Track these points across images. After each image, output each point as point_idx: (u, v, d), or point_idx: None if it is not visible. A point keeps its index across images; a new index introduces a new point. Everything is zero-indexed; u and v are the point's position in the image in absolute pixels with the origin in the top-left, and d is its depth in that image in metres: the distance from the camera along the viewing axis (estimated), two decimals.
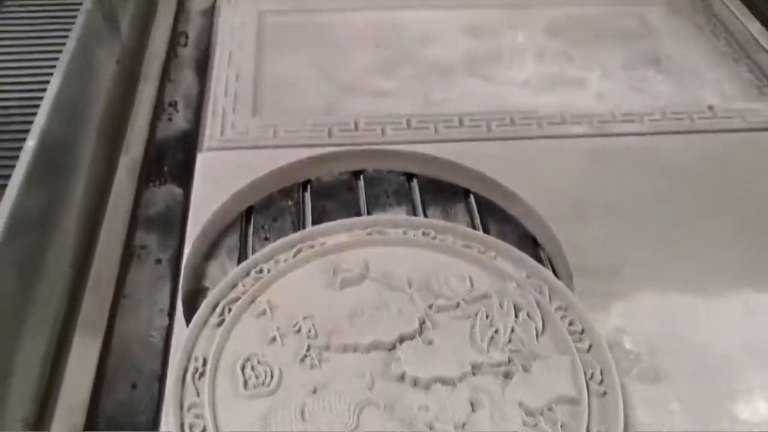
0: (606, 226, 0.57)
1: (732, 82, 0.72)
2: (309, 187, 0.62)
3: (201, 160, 0.62)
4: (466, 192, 0.62)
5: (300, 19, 0.79)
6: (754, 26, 0.83)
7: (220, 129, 0.64)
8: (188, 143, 0.66)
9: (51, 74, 0.55)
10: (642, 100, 0.69)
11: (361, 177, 0.63)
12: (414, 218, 0.56)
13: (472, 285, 0.50)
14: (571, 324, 0.48)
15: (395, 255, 0.52)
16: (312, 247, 0.52)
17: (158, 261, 0.56)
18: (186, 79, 0.74)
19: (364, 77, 0.72)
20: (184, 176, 0.62)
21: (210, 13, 0.83)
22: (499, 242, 0.53)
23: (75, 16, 0.61)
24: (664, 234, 0.57)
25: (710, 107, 0.68)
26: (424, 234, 0.53)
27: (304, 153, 0.62)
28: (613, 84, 0.71)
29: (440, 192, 0.62)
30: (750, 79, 0.72)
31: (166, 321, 0.52)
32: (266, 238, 0.58)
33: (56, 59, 0.56)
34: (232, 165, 0.61)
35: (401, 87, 0.70)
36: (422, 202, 0.61)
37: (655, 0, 0.84)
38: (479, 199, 0.61)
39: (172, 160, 0.64)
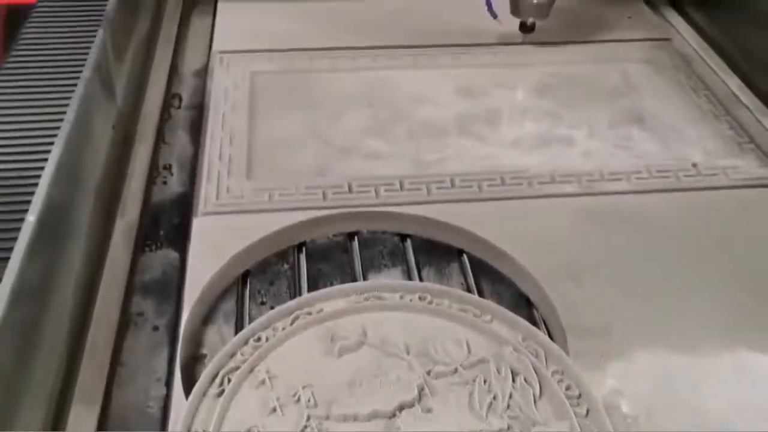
0: (597, 285, 0.58)
1: (714, 139, 0.74)
2: (304, 249, 0.63)
3: (197, 225, 0.62)
4: (460, 251, 0.63)
5: (292, 80, 0.81)
6: (733, 81, 0.86)
7: (215, 193, 0.65)
8: (184, 207, 0.66)
9: (51, 143, 0.55)
10: (628, 159, 0.71)
11: (356, 238, 0.64)
12: (410, 282, 0.57)
13: (469, 350, 0.50)
14: (568, 388, 0.48)
15: (393, 320, 0.52)
16: (309, 314, 0.52)
17: (155, 328, 0.56)
18: (180, 141, 0.75)
19: (357, 138, 0.73)
20: (180, 240, 0.63)
21: (203, 74, 0.84)
22: (494, 305, 0.54)
23: (74, 84, 0.62)
24: (653, 292, 0.58)
25: (694, 165, 0.70)
26: (420, 298, 0.54)
27: (299, 216, 0.63)
28: (600, 142, 0.73)
29: (434, 252, 0.63)
30: (731, 135, 0.74)
31: (163, 390, 0.51)
32: (263, 303, 0.59)
33: (56, 128, 0.57)
34: (228, 230, 0.62)
35: (394, 148, 0.72)
36: (417, 262, 0.62)
37: (638, 57, 0.87)
38: (473, 259, 0.62)
39: (168, 224, 0.65)
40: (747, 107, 0.81)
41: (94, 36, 0.68)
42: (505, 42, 0.88)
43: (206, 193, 0.65)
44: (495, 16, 0.87)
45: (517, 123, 0.76)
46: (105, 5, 0.75)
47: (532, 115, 0.77)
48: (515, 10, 0.86)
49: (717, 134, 0.75)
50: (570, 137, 0.74)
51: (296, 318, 0.52)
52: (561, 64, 0.85)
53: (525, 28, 0.87)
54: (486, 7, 0.86)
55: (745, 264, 0.61)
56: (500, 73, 0.83)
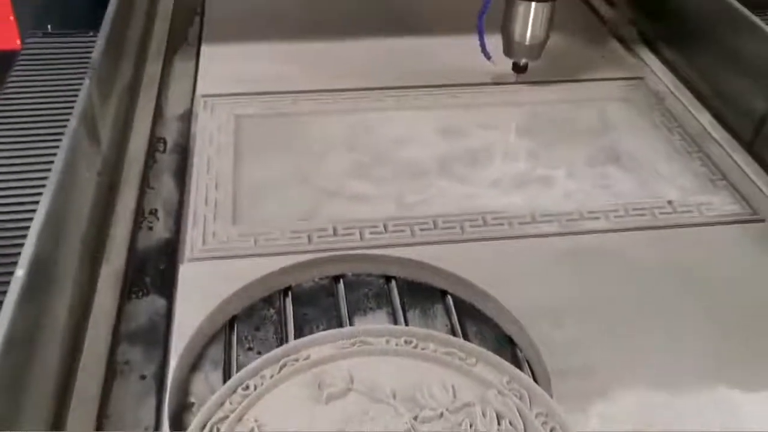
0: (578, 325, 0.59)
1: (687, 176, 0.76)
2: (290, 293, 0.64)
3: (183, 271, 0.63)
4: (444, 292, 0.64)
5: (276, 123, 0.82)
6: (705, 117, 0.88)
7: (201, 239, 0.66)
8: (170, 253, 0.67)
9: (38, 193, 0.56)
10: (606, 198, 0.73)
11: (341, 281, 0.65)
12: (395, 327, 0.57)
13: (454, 394, 0.51)
14: (552, 431, 0.49)
15: (379, 365, 0.53)
16: (296, 360, 0.53)
17: (142, 377, 0.56)
18: (165, 185, 0.75)
19: (341, 181, 0.74)
20: (166, 287, 0.63)
21: (187, 117, 0.85)
22: (478, 348, 0.55)
23: (61, 133, 0.63)
24: (634, 331, 0.59)
25: (669, 202, 0.72)
26: (406, 342, 0.55)
27: (285, 261, 0.64)
28: (579, 182, 0.75)
29: (419, 293, 0.64)
30: (704, 172, 0.77)
31: None
32: (250, 348, 0.59)
33: (43, 178, 0.58)
34: (215, 276, 0.62)
35: (377, 190, 0.73)
36: (402, 304, 0.63)
37: (614, 96, 0.90)
38: (456, 300, 0.63)
39: (154, 270, 0.65)
40: (718, 143, 0.84)
41: (80, 82, 0.69)
42: (486, 82, 0.90)
43: (192, 239, 0.66)
44: (489, 57, 0.88)
45: (498, 163, 0.77)
46: (90, 50, 0.76)
47: (512, 155, 0.79)
48: (508, 51, 0.88)
49: (690, 171, 0.77)
50: (550, 177, 0.75)
51: (284, 365, 0.53)
52: (540, 104, 0.87)
53: (518, 68, 0.89)
54: (480, 49, 0.87)
55: (721, 300, 0.62)
56: (481, 114, 0.85)
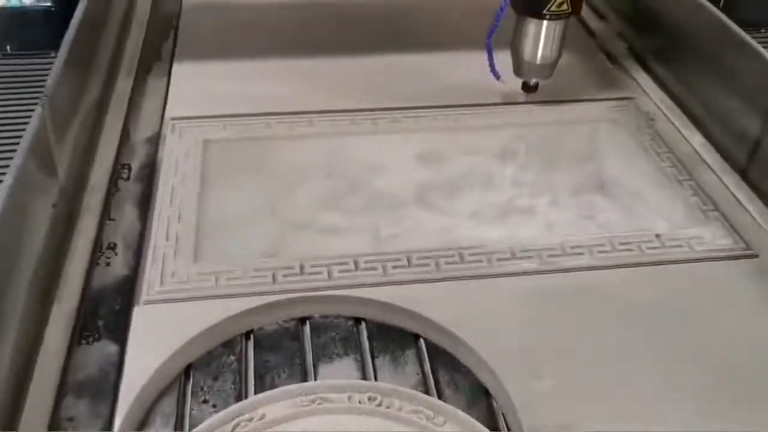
0: (558, 375, 0.55)
1: (677, 207, 0.72)
2: (252, 336, 0.60)
3: (138, 315, 0.59)
4: (417, 335, 0.60)
5: (247, 149, 0.79)
6: (696, 139, 0.85)
7: (159, 278, 0.62)
8: (126, 292, 0.63)
9: None
10: (591, 230, 0.69)
11: (307, 323, 0.61)
12: (359, 382, 0.53)
13: None
14: None
15: (340, 425, 0.49)
16: (251, 420, 0.49)
17: None
18: (127, 216, 0.71)
19: (312, 212, 0.70)
20: (120, 331, 0.59)
21: (155, 141, 0.81)
22: (448, 406, 0.51)
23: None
24: (617, 381, 0.55)
25: (657, 236, 0.68)
26: (370, 399, 0.51)
27: (247, 303, 0.60)
28: (562, 212, 0.71)
29: (389, 337, 0.60)
30: (695, 202, 0.73)
31: None
32: (205, 401, 0.55)
33: None
34: (171, 320, 0.58)
35: (350, 222, 0.69)
36: (371, 350, 0.59)
37: (602, 117, 0.86)
38: (429, 344, 0.60)
39: (108, 312, 0.61)
40: (711, 168, 0.80)
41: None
42: (467, 103, 0.86)
43: (150, 279, 0.62)
44: (498, 77, 0.85)
45: (477, 192, 0.73)
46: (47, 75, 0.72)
47: (493, 182, 0.75)
48: (518, 70, 0.84)
49: (681, 201, 0.73)
50: (532, 207, 0.71)
51: (237, 425, 0.49)
52: (524, 127, 0.83)
53: (528, 88, 0.85)
54: (489, 69, 0.85)
55: (713, 345, 0.58)
56: (463, 138, 0.81)
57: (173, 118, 0.82)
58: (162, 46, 1.01)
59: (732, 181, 0.77)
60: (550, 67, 0.83)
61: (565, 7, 0.78)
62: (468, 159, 0.78)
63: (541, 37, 0.81)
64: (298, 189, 0.73)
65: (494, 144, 0.80)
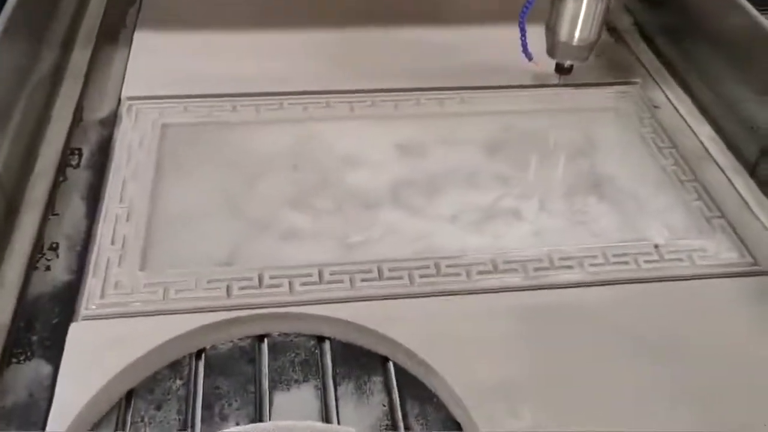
0: (539, 412, 0.49)
1: (679, 213, 0.66)
2: (203, 356, 0.54)
3: (74, 332, 0.53)
4: (386, 357, 0.55)
5: (210, 135, 0.71)
6: (704, 130, 0.78)
7: (100, 289, 0.56)
8: (66, 301, 0.56)
9: None
10: (583, 237, 0.63)
11: (265, 341, 0.55)
12: (312, 425, 0.48)
13: None
14: None
15: None
16: None
17: None
18: (73, 211, 0.64)
19: (275, 210, 0.64)
20: (56, 348, 0.53)
21: (111, 122, 0.74)
22: None
23: None
24: (606, 418, 0.50)
25: (656, 246, 0.62)
26: None
27: (198, 320, 0.54)
28: (552, 216, 0.65)
29: (355, 359, 0.55)
30: (698, 207, 0.66)
31: None
32: None
33: None
34: (112, 339, 0.52)
35: (316, 224, 0.63)
36: (333, 376, 0.53)
37: (600, 105, 0.78)
38: (399, 369, 0.54)
39: (44, 326, 0.55)
40: (717, 164, 0.73)
41: None
42: (455, 86, 0.78)
43: (90, 289, 0.56)
44: (530, 58, 0.78)
45: (459, 191, 0.67)
46: None
47: (477, 179, 0.68)
48: (553, 52, 0.77)
49: (683, 206, 0.66)
50: (518, 210, 0.65)
51: None
52: (514, 115, 0.76)
53: (562, 70, 0.79)
54: (521, 49, 0.78)
55: (716, 378, 0.52)
56: (447, 126, 0.74)
57: (130, 98, 0.75)
58: (127, 12, 0.92)
59: (741, 182, 0.71)
60: (588, 49, 0.76)
61: None
62: (450, 152, 0.71)
63: (580, 16, 0.73)
64: (261, 183, 0.66)
65: (480, 135, 0.73)
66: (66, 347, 0.52)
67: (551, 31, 0.76)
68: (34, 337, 0.55)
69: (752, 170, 0.72)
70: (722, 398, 0.51)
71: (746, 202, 0.68)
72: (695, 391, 0.52)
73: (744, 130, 0.74)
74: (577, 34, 0.74)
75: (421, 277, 0.58)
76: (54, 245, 0.62)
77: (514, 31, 0.77)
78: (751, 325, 0.56)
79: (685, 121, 0.79)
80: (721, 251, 0.62)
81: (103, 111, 0.76)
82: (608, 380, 0.52)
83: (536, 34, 0.77)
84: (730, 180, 0.71)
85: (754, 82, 0.73)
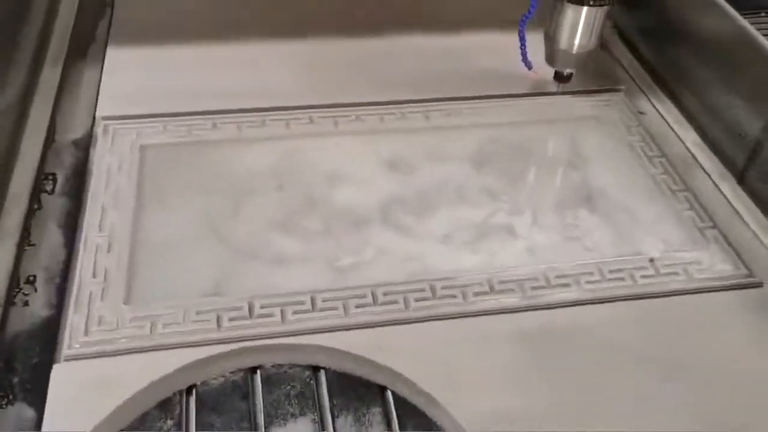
0: None
1: (672, 224, 0.65)
2: (194, 392, 0.52)
3: (57, 374, 0.51)
4: (384, 387, 0.53)
5: (190, 155, 0.69)
6: (690, 137, 0.77)
7: (84, 325, 0.53)
8: (47, 339, 0.54)
9: None
10: (577, 253, 0.62)
11: (258, 373, 0.53)
12: None
13: None
14: None
15: None
16: None
17: None
18: (50, 240, 0.62)
19: (262, 235, 0.62)
20: (38, 391, 0.51)
21: (85, 144, 0.71)
22: None
23: None
24: None
25: (651, 260, 0.61)
26: None
27: (188, 355, 0.52)
28: (545, 232, 0.64)
29: (352, 389, 0.53)
30: (690, 217, 0.66)
31: None
32: None
33: None
34: (98, 380, 0.50)
35: (305, 248, 0.61)
36: (331, 408, 0.52)
37: (586, 114, 0.77)
38: (398, 399, 0.52)
39: (25, 366, 0.52)
40: (705, 171, 0.73)
41: None
42: (447, 98, 0.77)
43: (72, 326, 0.53)
44: (530, 67, 0.78)
45: (450, 208, 0.65)
46: None
47: (467, 195, 0.67)
48: (552, 59, 0.77)
49: (675, 216, 0.66)
50: (511, 227, 0.64)
51: None
52: (500, 126, 0.74)
53: (561, 77, 0.78)
54: (521, 58, 0.78)
55: (717, 396, 0.52)
56: (432, 140, 0.72)
57: (105, 118, 0.72)
58: (97, 26, 0.89)
59: (729, 190, 0.70)
60: (586, 56, 0.76)
61: None
62: (437, 167, 0.70)
63: (579, 25, 0.73)
64: (246, 206, 0.64)
65: (467, 148, 0.72)
66: (50, 390, 0.50)
67: (550, 39, 0.75)
68: (15, 379, 0.52)
69: (740, 177, 0.72)
70: (723, 414, 0.51)
71: (737, 211, 0.68)
72: (697, 409, 0.51)
73: (730, 136, 0.73)
74: (576, 42, 0.74)
75: (417, 300, 0.57)
76: (31, 278, 0.59)
77: (498, 39, 0.76)
78: (750, 338, 0.56)
79: (671, 128, 0.78)
80: (715, 263, 0.61)
81: (77, 131, 0.73)
82: (610, 404, 0.51)
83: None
84: (719, 188, 0.71)
85: (739, 87, 0.72)
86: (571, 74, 0.78)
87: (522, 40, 0.76)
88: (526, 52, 0.77)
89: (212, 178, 0.67)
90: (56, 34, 0.86)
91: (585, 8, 0.72)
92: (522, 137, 0.74)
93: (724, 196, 0.70)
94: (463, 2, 0.89)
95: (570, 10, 0.72)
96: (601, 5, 0.72)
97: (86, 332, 0.53)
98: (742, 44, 0.71)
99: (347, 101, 0.75)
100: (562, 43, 0.74)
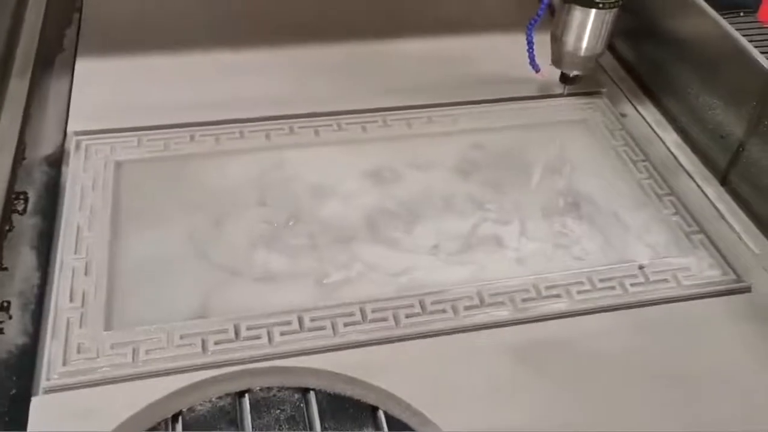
0: None
1: (659, 229, 0.65)
2: (180, 419, 0.50)
3: (36, 408, 0.48)
4: (375, 407, 0.52)
5: (167, 170, 0.67)
6: (671, 138, 0.77)
7: (62, 355, 0.51)
8: (24, 369, 0.52)
9: None
10: (567, 263, 0.61)
11: (246, 398, 0.52)
12: None
13: None
14: None
15: None
16: None
17: None
18: (24, 264, 0.59)
19: (246, 253, 0.60)
20: (16, 424, 0.48)
21: (57, 160, 0.69)
22: None
23: None
24: None
25: (641, 267, 0.61)
26: None
27: (173, 382, 0.50)
28: (534, 240, 0.63)
29: (344, 410, 0.52)
30: (677, 222, 0.65)
31: None
32: None
33: None
34: (79, 412, 0.48)
35: (291, 264, 0.59)
36: (322, 430, 0.50)
37: (569, 118, 0.77)
38: (390, 418, 0.51)
39: (2, 398, 0.50)
40: (689, 173, 0.73)
41: None
42: (429, 104, 0.76)
43: (50, 356, 0.51)
44: (538, 70, 0.77)
45: (437, 218, 0.64)
46: None
47: (453, 205, 0.66)
48: (559, 61, 0.76)
49: (662, 222, 0.65)
50: (499, 237, 0.63)
51: None
52: (483, 132, 0.73)
53: (567, 79, 0.77)
54: (528, 61, 0.77)
55: (707, 402, 0.52)
56: (416, 148, 0.71)
57: (77, 133, 0.70)
58: (64, 33, 0.86)
59: (713, 191, 0.70)
60: (593, 59, 0.75)
61: None
62: (424, 176, 0.68)
63: (587, 28, 0.72)
64: (228, 223, 0.62)
65: (451, 156, 0.71)
66: (29, 426, 0.48)
67: (558, 41, 0.74)
68: None
69: (723, 179, 0.72)
70: (716, 421, 0.51)
71: (721, 214, 0.68)
72: (689, 418, 0.51)
73: (712, 138, 0.73)
74: (584, 44, 0.73)
75: (407, 317, 0.55)
76: (5, 304, 0.56)
77: (479, 43, 0.75)
78: (741, 345, 0.56)
79: (653, 130, 0.78)
80: (703, 269, 0.61)
81: (48, 147, 0.70)
82: (605, 417, 0.50)
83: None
84: (703, 190, 0.71)
85: (720, 88, 0.72)
86: (577, 76, 0.77)
87: (530, 44, 0.75)
88: (534, 56, 0.76)
89: (192, 194, 0.65)
90: (23, 43, 0.83)
91: (593, 11, 0.70)
92: (506, 143, 0.73)
93: (708, 198, 0.70)
94: (445, 9, 0.88)
95: (578, 13, 0.71)
96: (610, 8, 0.70)
97: (65, 362, 0.51)
98: (722, 44, 0.71)
99: (327, 110, 0.74)
100: (570, 45, 0.73)
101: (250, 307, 0.56)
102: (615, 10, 0.71)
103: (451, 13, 0.89)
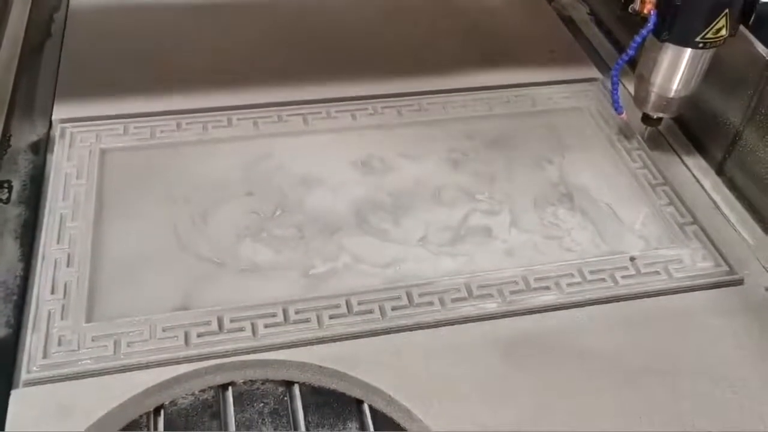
0: None
1: (652, 221, 0.64)
2: (162, 413, 0.50)
3: (16, 401, 0.48)
4: (360, 400, 0.51)
5: (152, 160, 0.66)
6: (667, 127, 0.76)
7: (43, 347, 0.51)
8: (5, 361, 0.51)
9: None
10: (557, 253, 0.60)
11: (229, 391, 0.51)
12: None
13: None
14: None
15: None
16: None
17: None
18: (6, 254, 0.59)
19: (232, 244, 0.59)
20: None
21: (42, 148, 0.68)
22: None
23: None
24: None
25: (632, 259, 0.60)
26: None
27: (155, 375, 0.50)
28: (524, 232, 0.62)
29: (327, 404, 0.51)
30: (671, 213, 0.64)
31: None
32: None
33: None
34: (59, 406, 0.48)
35: (277, 256, 0.58)
36: (306, 424, 0.50)
37: (562, 106, 0.76)
38: (375, 412, 0.51)
39: None
40: (684, 162, 0.72)
41: None
42: (408, 92, 0.74)
43: (31, 348, 0.51)
44: (621, 113, 0.70)
45: (426, 209, 0.63)
46: None
47: (444, 195, 0.65)
48: (642, 103, 0.69)
49: (655, 213, 0.64)
50: (489, 228, 0.62)
51: None
52: (476, 120, 0.72)
53: (650, 120, 0.70)
54: (612, 102, 0.70)
55: (697, 397, 0.51)
56: (406, 137, 0.70)
57: (62, 120, 0.69)
58: (52, 18, 0.85)
59: (709, 181, 0.70)
60: (678, 102, 0.67)
61: (723, 33, 0.61)
62: (414, 165, 0.67)
63: (681, 68, 0.64)
64: (214, 213, 0.62)
65: (442, 145, 0.70)
66: (8, 418, 0.47)
67: (644, 81, 0.67)
68: None
69: (719, 168, 0.71)
70: (707, 414, 0.50)
71: (716, 204, 0.67)
72: (680, 410, 0.50)
73: (709, 126, 0.72)
74: (674, 86, 0.65)
75: (393, 309, 0.55)
76: None
77: (473, 28, 0.73)
78: (733, 338, 0.55)
79: None
80: (696, 260, 0.60)
81: (33, 135, 0.70)
82: (593, 412, 0.50)
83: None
84: (698, 180, 0.70)
85: (717, 76, 0.71)
86: (660, 118, 0.70)
87: (615, 85, 0.69)
88: (618, 97, 0.69)
89: (178, 184, 0.64)
90: (9, 29, 0.82)
91: (689, 50, 0.63)
92: (498, 131, 0.72)
93: (704, 188, 0.69)
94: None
95: (670, 52, 0.64)
96: (712, 47, 0.62)
97: (45, 354, 0.50)
98: None
99: (316, 97, 0.73)
100: (657, 86, 0.66)
101: (234, 299, 0.55)
102: (713, 49, 0.63)
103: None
